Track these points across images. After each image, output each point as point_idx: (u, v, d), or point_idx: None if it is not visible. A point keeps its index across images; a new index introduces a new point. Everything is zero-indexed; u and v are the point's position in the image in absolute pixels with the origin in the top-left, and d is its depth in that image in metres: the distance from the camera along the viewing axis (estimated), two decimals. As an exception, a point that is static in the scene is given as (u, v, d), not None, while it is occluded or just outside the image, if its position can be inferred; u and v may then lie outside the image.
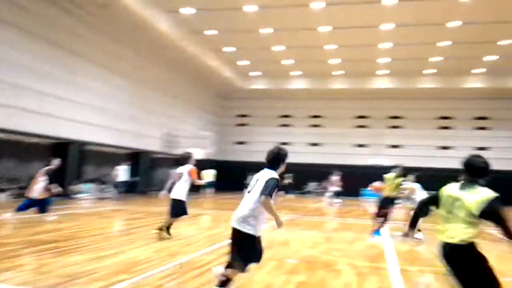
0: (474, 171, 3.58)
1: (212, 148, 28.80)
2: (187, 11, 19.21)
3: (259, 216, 4.16)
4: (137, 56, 22.18)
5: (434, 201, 3.71)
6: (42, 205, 9.70)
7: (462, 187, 3.51)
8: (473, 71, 26.75)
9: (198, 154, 26.69)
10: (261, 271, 5.76)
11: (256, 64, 27.98)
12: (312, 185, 30.59)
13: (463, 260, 3.38)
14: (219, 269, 4.39)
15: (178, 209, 7.97)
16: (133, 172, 20.77)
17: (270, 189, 4.05)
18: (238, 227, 4.15)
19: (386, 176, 9.72)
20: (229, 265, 4.29)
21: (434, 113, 30.85)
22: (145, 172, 23.52)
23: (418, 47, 22.93)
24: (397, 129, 31.48)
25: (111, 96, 20.23)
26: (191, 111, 28.98)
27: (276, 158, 4.54)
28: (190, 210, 8.48)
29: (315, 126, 33.19)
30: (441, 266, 6.53)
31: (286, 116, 33.72)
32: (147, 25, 19.23)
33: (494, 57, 23.63)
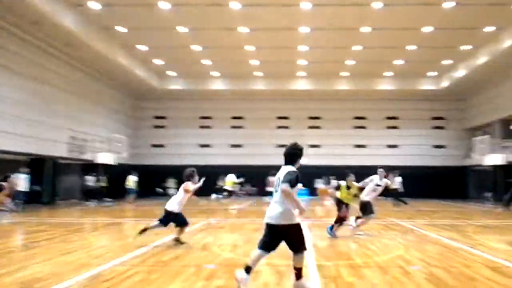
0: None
1: (127, 152, 27.60)
2: (94, 5, 18.27)
3: (291, 207, 4.84)
4: (38, 52, 20.44)
5: None
6: None
7: None
8: (384, 74, 28.94)
9: (110, 159, 25.54)
10: (178, 278, 5.68)
11: (173, 64, 27.51)
12: (235, 187, 30.50)
13: None
14: (241, 274, 4.84)
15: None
16: (37, 180, 19.25)
17: (290, 178, 4.78)
18: (281, 223, 4.81)
19: (341, 184, 10.09)
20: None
21: (350, 113, 32.80)
22: (50, 179, 21.85)
23: (333, 51, 24.21)
24: (316, 129, 32.90)
25: (8, 98, 18.42)
26: (102, 113, 27.47)
27: (292, 154, 5.31)
28: (104, 219, 8.09)
29: (236, 127, 33.48)
30: (357, 260, 7.11)
31: (206, 118, 33.54)
32: (48, 20, 17.82)
33: (402, 61, 25.78)
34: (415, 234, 10.86)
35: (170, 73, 29.63)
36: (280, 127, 33.18)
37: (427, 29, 20.51)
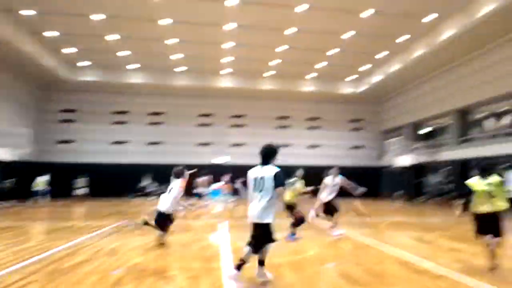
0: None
1: (30, 148, 25.26)
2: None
3: (274, 207, 5.49)
4: None
5: None
6: None
7: None
8: (307, 75, 29.92)
9: (10, 154, 23.37)
10: (78, 287, 5.25)
11: (85, 53, 25.62)
12: (151, 186, 29.82)
13: None
14: (246, 249, 5.54)
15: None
16: None
17: (281, 181, 5.47)
18: (261, 221, 5.45)
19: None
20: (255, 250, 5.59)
21: (274, 113, 33.37)
22: None
23: (259, 49, 24.41)
24: (240, 127, 32.99)
25: None
26: (3, 105, 24.98)
27: (269, 153, 5.83)
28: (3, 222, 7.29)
29: (155, 123, 32.37)
30: (274, 259, 7.11)
31: (121, 112, 31.63)
32: None
33: (324, 64, 26.86)
34: (329, 232, 11.21)
35: (82, 63, 27.63)
36: (202, 124, 32.64)
37: (348, 34, 21.54)
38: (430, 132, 32.58)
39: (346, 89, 31.51)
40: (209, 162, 30.37)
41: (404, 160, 26.56)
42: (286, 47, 23.65)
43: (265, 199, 5.46)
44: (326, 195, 10.33)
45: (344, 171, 23.80)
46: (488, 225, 6.26)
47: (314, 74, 29.51)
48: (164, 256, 7.61)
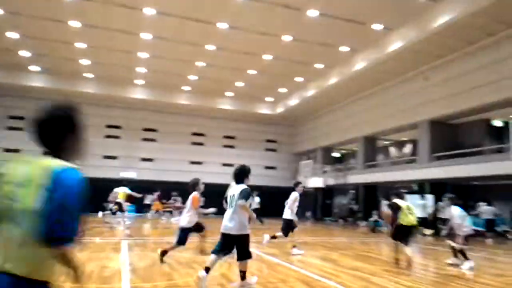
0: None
1: None
2: None
3: (246, 219, 6.35)
4: None
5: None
6: None
7: None
8: (225, 93, 30.32)
9: None
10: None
11: None
12: None
13: None
14: (202, 273, 6.21)
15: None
16: None
17: (244, 195, 6.27)
18: (237, 233, 6.29)
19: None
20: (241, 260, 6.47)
21: (188, 128, 33.24)
22: None
23: (176, 63, 24.24)
24: (151, 142, 32.30)
25: None
26: None
27: (240, 174, 6.77)
28: None
29: None
30: (178, 280, 7.11)
31: (18, 118, 28.34)
32: None
33: (242, 84, 27.52)
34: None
35: None
36: (109, 136, 31.21)
37: (267, 57, 22.41)
38: (339, 156, 34.97)
39: (263, 110, 32.55)
40: (115, 177, 29.07)
41: (315, 182, 28.03)
42: (204, 64, 23.84)
43: (234, 213, 6.35)
44: (293, 211, 11.82)
45: (258, 191, 24.32)
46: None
47: (232, 93, 30.00)
48: (57, 277, 7.15)
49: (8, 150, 28.07)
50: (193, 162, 32.81)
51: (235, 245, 6.40)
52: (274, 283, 7.17)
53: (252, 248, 11.33)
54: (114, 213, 19.20)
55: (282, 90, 28.58)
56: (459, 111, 18.98)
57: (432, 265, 10.46)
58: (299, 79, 25.90)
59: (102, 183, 27.91)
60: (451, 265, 9.85)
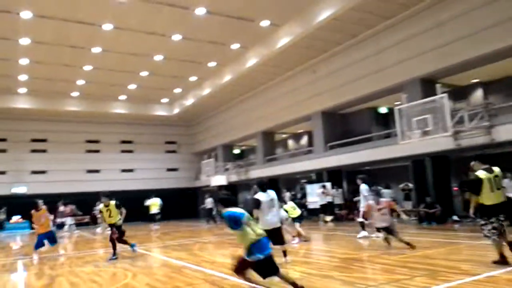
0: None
1: None
2: None
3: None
4: None
5: None
6: None
7: None
8: (118, 97, 28.59)
9: None
10: None
11: None
12: None
13: None
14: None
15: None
16: None
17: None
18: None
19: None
20: None
21: (82, 136, 30.80)
22: None
23: (61, 68, 22.19)
24: (41, 153, 29.41)
25: None
26: None
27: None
28: None
29: None
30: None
31: None
32: None
33: (135, 86, 26.05)
34: (146, 258, 10.71)
35: None
36: (-5, 151, 28.20)
37: (158, 57, 21.42)
38: (240, 152, 34.95)
39: (160, 112, 31.42)
40: (5, 193, 26.19)
41: (218, 180, 27.54)
42: (91, 67, 22.21)
43: None
44: None
45: (161, 194, 23.35)
46: None
47: (126, 96, 28.47)
48: None
49: None
50: (89, 171, 30.44)
51: None
52: (181, 287, 6.71)
53: (159, 254, 10.78)
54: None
55: (177, 90, 27.73)
56: (347, 101, 19.63)
57: (331, 251, 10.63)
58: (193, 78, 25.24)
59: None
60: (361, 238, 11.30)
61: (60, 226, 19.84)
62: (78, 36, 18.46)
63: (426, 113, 13.16)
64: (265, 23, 17.87)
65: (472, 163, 6.83)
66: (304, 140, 28.04)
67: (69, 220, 20.72)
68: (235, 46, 20.35)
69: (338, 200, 20.37)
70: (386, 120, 21.49)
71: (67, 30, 17.77)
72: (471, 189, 6.64)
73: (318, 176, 21.82)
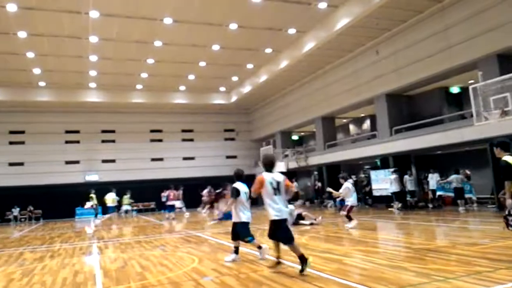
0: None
1: None
2: None
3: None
4: None
5: None
6: None
7: None
8: (178, 87, 29.28)
9: None
10: None
11: None
12: (15, 211, 27.37)
13: None
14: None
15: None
16: None
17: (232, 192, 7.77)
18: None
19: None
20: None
21: (146, 126, 32.02)
22: None
23: (126, 63, 23.23)
24: (110, 143, 31.02)
25: None
26: None
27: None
28: None
29: (16, 143, 28.94)
30: (150, 279, 6.39)
31: None
32: None
33: (194, 77, 26.52)
34: (210, 244, 10.78)
35: None
36: (68, 141, 30.15)
37: (215, 47, 21.55)
38: (299, 139, 34.48)
39: (218, 100, 31.76)
40: (80, 181, 28.13)
41: (277, 166, 27.24)
42: (153, 60, 22.90)
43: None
44: None
45: (220, 181, 23.80)
46: None
47: (185, 87, 29.09)
48: (30, 286, 6.63)
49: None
50: (154, 159, 31.63)
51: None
52: (246, 273, 6.59)
53: (223, 240, 10.82)
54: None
55: (234, 78, 27.81)
56: (414, 81, 18.31)
57: (403, 240, 10.07)
58: (250, 66, 25.15)
59: (67, 188, 27.11)
60: (351, 228, 11.95)
61: (171, 208, 20.89)
62: (141, 32, 19.10)
63: (505, 91, 11.97)
64: (322, 5, 17.21)
65: (496, 150, 6.45)
66: (367, 124, 26.81)
67: (178, 203, 21.64)
68: (291, 31, 19.88)
69: (410, 187, 18.91)
70: (459, 101, 19.87)
71: (131, 27, 18.50)
72: (508, 176, 6.07)
73: (383, 162, 20.66)
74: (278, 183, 6.53)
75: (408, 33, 18.03)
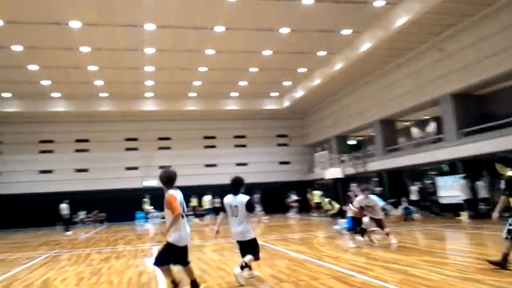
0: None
1: None
2: None
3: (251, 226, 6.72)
4: None
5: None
6: None
7: None
8: (230, 94, 29.72)
9: None
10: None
11: (7, 85, 24.65)
12: (82, 214, 28.98)
13: None
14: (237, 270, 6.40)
15: None
16: None
17: (253, 207, 6.88)
18: (245, 239, 6.66)
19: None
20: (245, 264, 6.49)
21: (199, 133, 32.79)
22: None
23: (180, 72, 23.99)
24: (166, 150, 32.13)
25: None
26: None
27: (238, 184, 6.84)
28: None
29: (81, 150, 31.02)
30: (210, 282, 6.51)
31: (47, 141, 30.60)
32: None
33: (245, 83, 26.79)
34: (266, 250, 10.75)
35: (4, 94, 26.61)
36: (128, 149, 31.70)
37: (267, 52, 21.58)
38: (356, 143, 33.61)
39: (270, 106, 31.86)
40: (138, 186, 29.64)
41: (334, 172, 26.75)
42: (206, 68, 23.46)
43: (243, 222, 6.63)
44: None
45: (273, 187, 23.57)
46: None
47: (237, 93, 29.49)
48: (98, 285, 7.08)
49: (43, 172, 30.27)
50: (207, 165, 32.28)
51: (247, 247, 6.67)
52: (306, 281, 6.51)
53: (279, 247, 10.80)
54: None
55: (287, 83, 27.74)
56: (484, 80, 16.93)
57: (475, 252, 9.46)
58: (302, 69, 24.96)
59: (127, 193, 28.49)
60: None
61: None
62: (193, 41, 19.63)
63: None
64: (379, 3, 16.57)
65: (497, 165, 6.85)
66: (431, 127, 25.50)
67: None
68: (346, 31, 19.46)
69: (483, 194, 17.48)
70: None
71: (184, 36, 19.10)
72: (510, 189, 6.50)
73: (451, 167, 19.31)
74: (183, 203, 5.90)
75: (476, 27, 16.76)
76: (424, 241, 10.85)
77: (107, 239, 16.88)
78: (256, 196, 23.02)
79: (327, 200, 20.40)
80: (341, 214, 16.37)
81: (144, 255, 11.03)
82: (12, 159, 29.43)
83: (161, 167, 31.20)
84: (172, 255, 5.72)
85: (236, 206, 6.59)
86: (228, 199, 6.75)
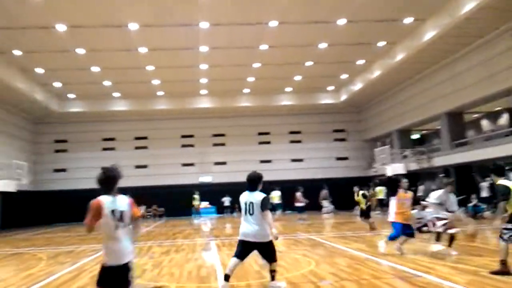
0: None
1: (28, 178, 25.99)
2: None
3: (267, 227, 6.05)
4: None
5: None
6: None
7: None
8: (285, 89, 29.71)
9: (11, 186, 23.98)
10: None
11: (72, 86, 26.57)
12: (142, 209, 30.15)
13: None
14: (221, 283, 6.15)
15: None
16: None
17: (268, 205, 6.17)
18: (260, 241, 6.03)
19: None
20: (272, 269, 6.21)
21: (254, 129, 33.08)
22: None
23: (234, 68, 24.36)
24: (221, 146, 32.82)
25: None
26: (0, 139, 25.74)
27: (256, 181, 6.38)
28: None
29: (141, 148, 32.57)
30: (266, 277, 6.62)
31: (109, 139, 32.52)
32: None
33: (300, 77, 26.64)
34: (325, 247, 10.77)
35: (69, 95, 28.69)
36: (184, 145, 32.72)
37: (322, 45, 21.32)
38: (420, 137, 32.30)
39: (326, 100, 31.48)
40: (194, 182, 30.78)
41: (396, 168, 25.76)
42: (259, 64, 23.63)
43: (255, 221, 6.06)
44: None
45: (330, 183, 23.20)
46: None
47: (292, 88, 29.44)
48: (160, 276, 7.47)
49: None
50: (262, 161, 32.45)
51: (259, 251, 6.14)
52: (368, 280, 6.47)
53: (338, 244, 10.71)
54: None
55: (344, 76, 27.27)
56: None
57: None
58: (360, 62, 24.41)
59: (184, 188, 29.55)
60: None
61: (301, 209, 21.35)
62: (247, 37, 19.83)
63: None
64: (443, -12, 15.94)
65: (491, 176, 7.11)
66: (504, 119, 23.98)
67: (325, 203, 22.90)
68: (408, 20, 18.70)
69: None
70: None
71: (237, 33, 19.36)
72: (506, 197, 6.54)
73: None
74: (121, 212, 4.17)
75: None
76: (496, 241, 10.23)
77: (166, 233, 17.68)
78: (324, 192, 22.68)
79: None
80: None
81: (202, 249, 11.46)
82: (76, 157, 31.48)
83: (216, 163, 32.07)
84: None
85: (251, 203, 6.10)
86: (244, 196, 6.30)
